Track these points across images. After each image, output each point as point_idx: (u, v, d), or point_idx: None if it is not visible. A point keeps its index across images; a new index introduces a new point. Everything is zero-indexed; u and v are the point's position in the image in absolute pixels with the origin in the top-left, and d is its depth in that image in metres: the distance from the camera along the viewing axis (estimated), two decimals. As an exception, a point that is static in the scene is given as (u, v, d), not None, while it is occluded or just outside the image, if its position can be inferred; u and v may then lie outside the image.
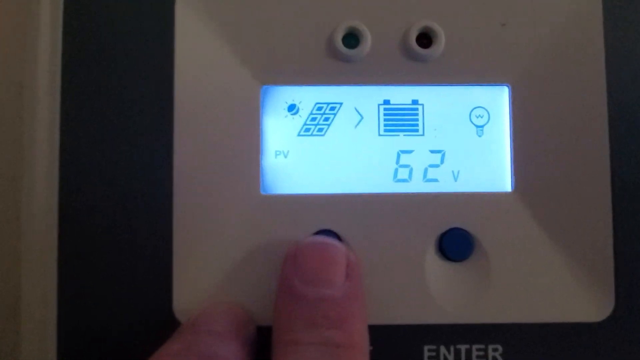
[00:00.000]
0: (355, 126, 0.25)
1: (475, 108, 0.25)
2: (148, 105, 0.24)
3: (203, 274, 0.24)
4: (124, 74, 0.24)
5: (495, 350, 0.24)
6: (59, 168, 0.24)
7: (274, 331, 0.21)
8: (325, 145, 0.25)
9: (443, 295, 0.24)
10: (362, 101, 0.25)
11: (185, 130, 0.24)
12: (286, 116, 0.25)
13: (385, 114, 0.25)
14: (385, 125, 0.25)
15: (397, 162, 0.25)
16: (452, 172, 0.25)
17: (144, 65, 0.24)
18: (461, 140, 0.25)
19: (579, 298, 0.24)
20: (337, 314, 0.20)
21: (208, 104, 0.24)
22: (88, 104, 0.24)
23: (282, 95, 0.25)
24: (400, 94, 0.25)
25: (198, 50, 0.24)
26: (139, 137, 0.24)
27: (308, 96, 0.25)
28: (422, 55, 0.25)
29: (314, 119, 0.25)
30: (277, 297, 0.22)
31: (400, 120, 0.25)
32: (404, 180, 0.25)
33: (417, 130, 0.25)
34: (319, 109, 0.25)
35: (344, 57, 0.25)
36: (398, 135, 0.25)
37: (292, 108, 0.25)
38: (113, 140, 0.24)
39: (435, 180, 0.25)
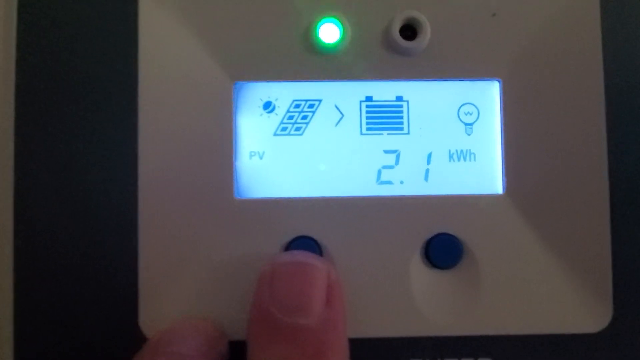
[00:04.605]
0: (336, 125, 0.24)
1: (463, 104, 0.24)
2: (110, 104, 0.23)
3: (171, 284, 0.22)
4: (83, 71, 0.23)
5: (485, 364, 0.23)
6: (14, 172, 0.22)
7: None
8: (304, 145, 0.24)
9: (429, 305, 0.23)
10: (342, 98, 0.24)
11: (151, 131, 0.23)
12: (261, 114, 0.24)
13: (367, 112, 0.24)
14: (367, 123, 0.24)
15: (381, 163, 0.24)
16: (439, 173, 0.24)
17: (104, 60, 0.23)
18: (449, 139, 0.24)
19: (574, 307, 0.23)
20: (314, 348, 0.19)
21: (176, 102, 0.23)
22: (44, 104, 0.23)
23: (257, 92, 0.24)
24: (384, 90, 0.24)
25: (164, 44, 0.23)
26: (101, 139, 0.23)
27: (285, 93, 0.24)
28: (406, 49, 0.23)
29: (291, 117, 0.24)
30: (250, 321, 0.20)
31: (384, 118, 0.24)
32: (387, 183, 0.24)
33: (401, 129, 0.24)
34: (297, 106, 0.24)
35: (323, 50, 0.23)
36: (381, 134, 0.24)
37: (267, 106, 0.24)
38: (72, 142, 0.23)
39: (421, 182, 0.24)
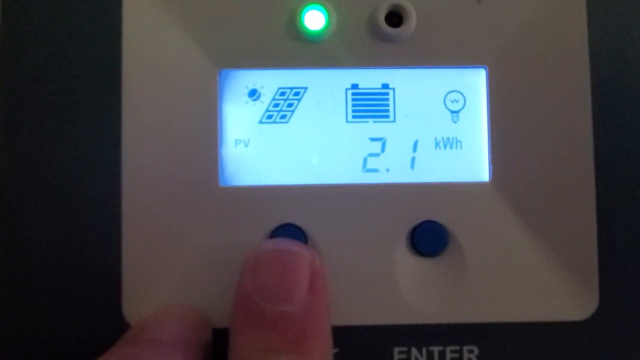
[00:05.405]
0: (321, 112, 0.24)
1: (450, 92, 0.24)
2: (93, 93, 0.22)
3: (155, 272, 0.22)
4: (66, 60, 0.22)
5: (470, 351, 0.23)
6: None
7: (229, 348, 0.20)
8: (289, 133, 0.23)
9: (414, 293, 0.23)
10: (328, 85, 0.24)
11: (135, 120, 0.22)
12: (247, 102, 0.24)
13: (353, 99, 0.24)
14: (353, 111, 0.24)
15: (367, 150, 0.23)
16: (426, 161, 0.23)
17: (88, 48, 0.23)
18: (435, 126, 0.24)
19: (560, 295, 0.23)
20: (295, 335, 0.19)
21: (160, 90, 0.23)
22: (27, 93, 0.22)
23: (242, 80, 0.23)
24: (370, 78, 0.24)
25: (148, 32, 0.23)
26: (84, 127, 0.22)
27: (270, 80, 0.23)
28: (392, 35, 0.23)
29: (276, 105, 0.24)
30: (233, 308, 0.20)
31: (370, 106, 0.24)
32: (373, 170, 0.23)
33: (387, 116, 0.24)
34: (282, 94, 0.24)
35: (309, 38, 0.23)
36: (367, 121, 0.24)
37: (253, 93, 0.24)
38: (54, 131, 0.22)
39: (407, 169, 0.23)
